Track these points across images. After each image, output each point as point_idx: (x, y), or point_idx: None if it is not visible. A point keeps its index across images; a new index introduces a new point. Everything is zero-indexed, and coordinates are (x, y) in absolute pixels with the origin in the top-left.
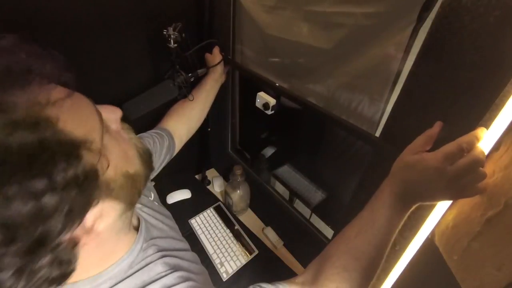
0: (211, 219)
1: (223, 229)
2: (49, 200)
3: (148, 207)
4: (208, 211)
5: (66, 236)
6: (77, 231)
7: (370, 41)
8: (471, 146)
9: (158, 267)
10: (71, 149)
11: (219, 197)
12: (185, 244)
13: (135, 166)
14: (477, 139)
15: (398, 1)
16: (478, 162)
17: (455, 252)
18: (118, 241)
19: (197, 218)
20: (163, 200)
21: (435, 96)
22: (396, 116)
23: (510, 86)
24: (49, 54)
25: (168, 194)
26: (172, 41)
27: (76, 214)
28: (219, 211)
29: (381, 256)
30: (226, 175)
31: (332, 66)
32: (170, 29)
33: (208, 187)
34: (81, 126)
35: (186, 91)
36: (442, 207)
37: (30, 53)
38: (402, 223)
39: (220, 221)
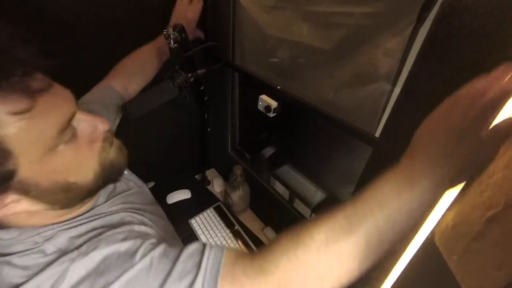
0: (211, 219)
1: (223, 229)
2: None
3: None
4: (208, 211)
5: None
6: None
7: (370, 41)
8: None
9: (121, 215)
10: None
11: (219, 197)
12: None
13: (80, 177)
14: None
15: (398, 1)
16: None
17: (455, 252)
18: (66, 210)
19: (197, 218)
20: (163, 200)
21: (435, 96)
22: (396, 116)
23: None
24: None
25: (168, 194)
26: (172, 41)
27: None
28: (219, 211)
29: (356, 224)
30: (226, 175)
31: (332, 66)
32: (170, 29)
33: (208, 187)
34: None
35: (186, 91)
36: (442, 207)
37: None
38: (411, 198)
39: (220, 221)
